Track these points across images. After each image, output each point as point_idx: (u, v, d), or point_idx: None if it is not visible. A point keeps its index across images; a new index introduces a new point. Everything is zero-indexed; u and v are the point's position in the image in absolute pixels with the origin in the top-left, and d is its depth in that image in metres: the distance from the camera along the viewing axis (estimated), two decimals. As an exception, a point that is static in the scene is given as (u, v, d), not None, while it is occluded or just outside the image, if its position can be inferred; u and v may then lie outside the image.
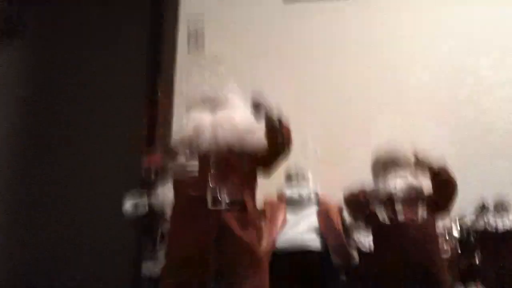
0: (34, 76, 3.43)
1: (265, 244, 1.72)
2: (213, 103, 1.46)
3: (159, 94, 2.75)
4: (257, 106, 1.35)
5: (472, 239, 2.00)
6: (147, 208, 2.04)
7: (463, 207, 2.07)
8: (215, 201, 1.29)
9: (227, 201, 1.29)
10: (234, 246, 1.27)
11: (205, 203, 1.28)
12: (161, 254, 1.91)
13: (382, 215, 1.72)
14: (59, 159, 3.26)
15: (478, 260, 2.05)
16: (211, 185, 1.31)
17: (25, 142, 3.38)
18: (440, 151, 2.53)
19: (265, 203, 1.90)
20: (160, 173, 1.36)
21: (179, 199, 1.35)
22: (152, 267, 1.94)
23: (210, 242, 1.26)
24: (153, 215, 2.03)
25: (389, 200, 1.72)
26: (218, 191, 1.30)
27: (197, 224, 1.27)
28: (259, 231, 1.35)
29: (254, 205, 1.35)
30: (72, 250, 3.18)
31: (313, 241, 1.79)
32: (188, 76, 2.70)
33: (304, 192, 1.92)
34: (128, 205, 2.05)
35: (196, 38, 2.63)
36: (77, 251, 3.19)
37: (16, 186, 3.25)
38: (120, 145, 3.15)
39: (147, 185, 2.15)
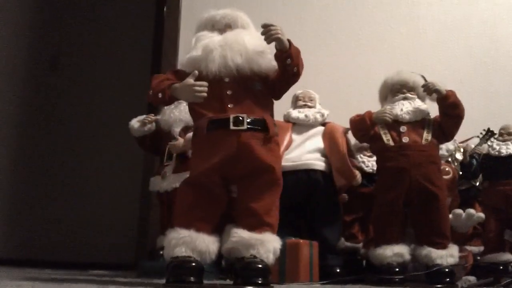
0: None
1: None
2: (221, 24, 1.42)
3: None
4: (266, 27, 1.31)
5: (474, 162, 2.03)
6: (154, 126, 2.06)
7: (468, 130, 2.09)
8: (237, 121, 1.27)
9: (248, 121, 1.28)
10: (254, 165, 1.27)
11: (226, 124, 1.27)
12: (168, 170, 1.95)
13: (386, 136, 1.74)
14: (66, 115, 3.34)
15: (479, 182, 2.10)
16: (229, 106, 1.30)
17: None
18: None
19: (272, 124, 1.92)
20: (167, 95, 1.32)
21: (199, 121, 1.33)
22: (160, 183, 1.98)
23: (231, 159, 1.26)
24: (160, 132, 2.05)
25: (394, 122, 1.73)
26: (237, 111, 1.29)
27: (219, 145, 1.27)
28: (278, 151, 1.35)
29: (274, 125, 1.34)
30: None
31: (317, 160, 1.82)
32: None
33: (310, 113, 1.92)
34: (134, 122, 2.07)
35: None
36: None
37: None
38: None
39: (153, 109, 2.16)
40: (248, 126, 1.28)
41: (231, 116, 1.28)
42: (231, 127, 1.27)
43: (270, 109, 1.39)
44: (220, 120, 1.28)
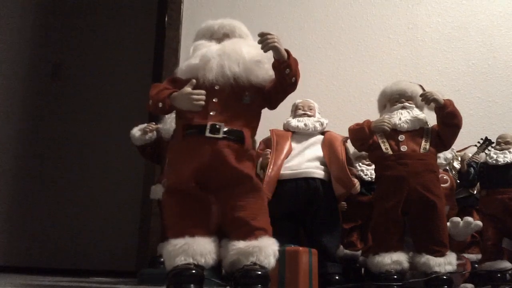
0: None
1: (270, 171, 1.77)
2: (219, 33, 1.44)
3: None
4: (263, 36, 1.32)
5: (472, 170, 2.04)
6: (155, 134, 2.08)
7: (465, 139, 2.12)
8: (213, 129, 1.28)
9: (225, 130, 1.28)
10: (228, 174, 1.27)
11: (203, 130, 1.28)
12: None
13: (385, 145, 1.75)
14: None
15: (476, 191, 2.12)
16: (211, 113, 1.30)
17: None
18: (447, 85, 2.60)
19: (272, 132, 1.94)
20: (167, 104, 1.33)
21: (178, 124, 1.34)
22: (160, 191, 1.99)
23: (205, 166, 1.26)
24: (161, 141, 2.07)
25: (393, 131, 1.75)
26: (217, 119, 1.29)
27: (194, 151, 1.28)
28: (251, 164, 1.34)
29: (251, 137, 1.35)
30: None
31: (317, 169, 1.83)
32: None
33: (310, 122, 1.94)
34: (135, 130, 2.09)
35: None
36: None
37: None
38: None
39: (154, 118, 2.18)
40: (224, 136, 1.28)
41: (208, 124, 1.28)
42: (207, 134, 1.27)
43: (253, 124, 1.38)
44: (197, 126, 1.29)
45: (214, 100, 1.32)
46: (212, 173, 1.28)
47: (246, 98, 1.35)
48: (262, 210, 1.29)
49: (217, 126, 1.28)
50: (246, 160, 1.31)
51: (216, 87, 1.33)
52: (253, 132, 1.39)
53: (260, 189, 1.31)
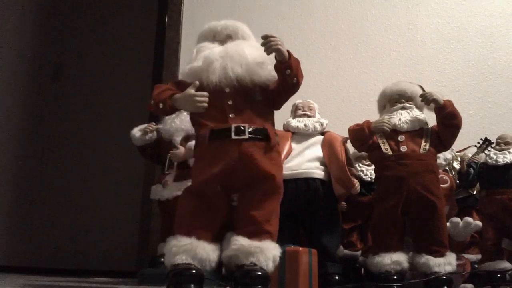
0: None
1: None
2: (222, 35, 1.44)
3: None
4: (267, 39, 1.33)
5: (471, 171, 2.05)
6: (155, 135, 2.08)
7: (465, 140, 2.12)
8: (238, 130, 1.29)
9: (250, 130, 1.30)
10: (255, 173, 1.28)
11: (227, 133, 1.29)
12: (169, 178, 1.97)
13: (385, 145, 1.75)
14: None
15: (476, 191, 2.12)
16: (231, 116, 1.32)
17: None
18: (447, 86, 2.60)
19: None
20: (168, 105, 1.34)
21: (201, 131, 1.35)
22: (160, 191, 2.00)
23: (232, 168, 1.28)
24: (162, 141, 2.07)
25: (392, 131, 1.75)
26: (239, 120, 1.30)
27: (220, 154, 1.28)
28: (279, 160, 1.37)
29: (275, 134, 1.36)
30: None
31: (317, 169, 1.84)
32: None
33: (310, 122, 1.94)
34: (136, 131, 2.09)
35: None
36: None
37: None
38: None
39: (154, 118, 2.18)
40: (250, 136, 1.29)
41: (233, 126, 1.29)
42: (233, 136, 1.29)
43: (271, 119, 1.40)
44: (222, 130, 1.30)
45: (229, 102, 1.33)
46: (239, 174, 1.29)
47: (257, 94, 1.37)
48: (275, 212, 1.32)
49: (242, 127, 1.29)
50: (273, 157, 1.33)
51: (227, 90, 1.34)
52: (273, 127, 1.40)
53: (279, 192, 1.33)
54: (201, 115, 1.33)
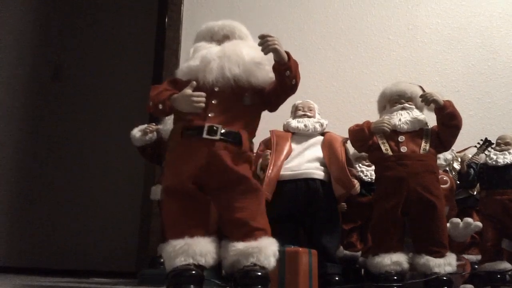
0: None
1: (270, 171, 1.78)
2: (219, 35, 1.44)
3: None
4: (263, 38, 1.32)
5: (471, 171, 2.04)
6: (155, 135, 2.08)
7: (465, 140, 2.12)
8: (210, 130, 1.28)
9: (222, 132, 1.29)
10: (225, 176, 1.28)
11: (200, 132, 1.28)
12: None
13: (385, 146, 1.76)
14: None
15: (476, 192, 2.12)
16: (210, 115, 1.31)
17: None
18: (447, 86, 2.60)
19: (272, 133, 1.94)
20: (167, 106, 1.33)
21: (175, 126, 1.35)
22: (160, 192, 1.99)
23: (202, 167, 1.27)
24: (162, 141, 2.07)
25: (392, 132, 1.75)
26: (216, 121, 1.30)
27: (191, 152, 1.28)
28: (248, 167, 1.34)
29: (249, 139, 1.35)
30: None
31: (317, 170, 1.84)
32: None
33: (310, 122, 1.94)
34: (136, 131, 2.09)
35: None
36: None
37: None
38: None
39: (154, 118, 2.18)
40: (221, 137, 1.28)
41: (206, 125, 1.29)
42: (204, 135, 1.28)
43: (252, 125, 1.38)
44: (195, 128, 1.30)
45: (213, 101, 1.33)
46: (210, 175, 1.28)
47: (246, 99, 1.36)
48: (260, 210, 1.30)
49: (215, 127, 1.29)
50: (242, 162, 1.31)
51: (216, 89, 1.33)
52: (253, 134, 1.39)
53: (257, 189, 1.32)
54: (184, 112, 1.32)
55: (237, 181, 1.28)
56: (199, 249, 1.23)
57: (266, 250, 1.24)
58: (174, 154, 1.33)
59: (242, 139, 1.31)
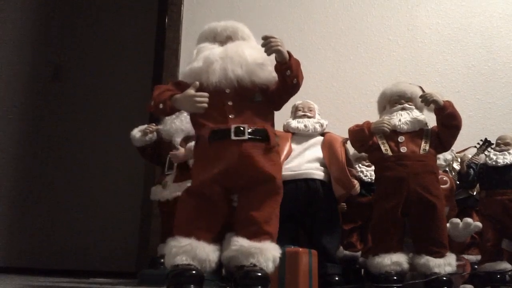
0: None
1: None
2: (222, 36, 1.45)
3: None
4: (267, 39, 1.33)
5: (471, 171, 2.05)
6: (155, 135, 2.08)
7: (465, 141, 2.12)
8: (238, 131, 1.29)
9: (249, 131, 1.30)
10: (255, 174, 1.29)
11: (227, 134, 1.29)
12: (169, 179, 1.97)
13: (385, 146, 1.76)
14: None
15: (476, 192, 2.12)
16: (230, 116, 1.32)
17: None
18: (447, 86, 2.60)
19: (272, 134, 1.94)
20: (168, 105, 1.34)
21: (200, 132, 1.35)
22: (160, 192, 2.00)
23: (232, 169, 1.28)
24: (162, 142, 2.07)
25: (392, 132, 1.76)
26: (239, 121, 1.31)
27: (221, 155, 1.29)
28: (279, 161, 1.37)
29: (275, 135, 1.37)
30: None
31: (317, 170, 1.84)
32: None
33: (310, 123, 1.94)
34: (136, 131, 2.09)
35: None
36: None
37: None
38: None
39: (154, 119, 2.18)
40: (249, 136, 1.29)
41: (233, 126, 1.30)
42: (232, 137, 1.29)
43: (271, 120, 1.41)
44: (222, 131, 1.30)
45: (229, 103, 1.34)
46: (239, 175, 1.29)
47: (258, 95, 1.37)
48: (275, 214, 1.32)
49: (241, 128, 1.30)
50: (273, 158, 1.33)
51: (227, 91, 1.35)
52: (273, 127, 1.41)
53: (279, 193, 1.33)
54: (201, 116, 1.34)
55: (264, 181, 1.30)
56: (201, 254, 1.24)
57: (267, 253, 1.24)
58: (203, 159, 1.33)
59: (270, 135, 1.33)
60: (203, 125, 1.34)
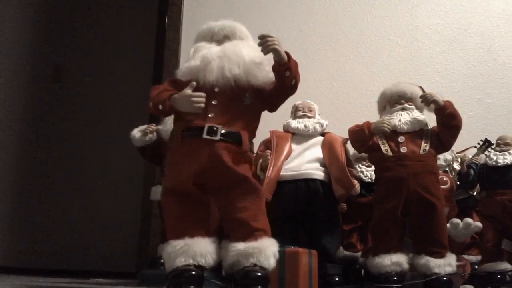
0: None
1: (270, 172, 1.78)
2: (219, 35, 1.44)
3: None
4: (263, 38, 1.32)
5: (471, 171, 2.05)
6: (155, 135, 2.08)
7: (465, 141, 2.12)
8: (210, 131, 1.28)
9: (222, 132, 1.29)
10: (226, 176, 1.28)
11: (200, 132, 1.28)
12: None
13: (385, 146, 1.76)
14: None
15: (476, 192, 2.12)
16: (210, 115, 1.31)
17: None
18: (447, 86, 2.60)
19: (272, 134, 1.94)
20: (167, 106, 1.33)
21: (175, 126, 1.35)
22: (161, 192, 1.99)
23: (203, 168, 1.27)
24: (162, 142, 2.07)
25: (392, 132, 1.76)
26: (216, 121, 1.30)
27: (192, 152, 1.28)
28: (248, 167, 1.35)
29: (249, 139, 1.36)
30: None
31: (317, 170, 1.84)
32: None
33: (310, 123, 1.94)
34: (136, 131, 2.09)
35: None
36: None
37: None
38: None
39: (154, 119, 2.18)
40: (221, 138, 1.28)
41: (206, 126, 1.29)
42: (204, 136, 1.28)
43: (253, 125, 1.39)
44: (195, 128, 1.29)
45: (213, 102, 1.33)
46: (210, 175, 1.28)
47: (246, 99, 1.36)
48: (261, 210, 1.30)
49: (215, 128, 1.29)
50: (243, 162, 1.32)
51: (216, 89, 1.33)
52: (253, 134, 1.39)
53: (258, 189, 1.32)
54: (184, 113, 1.32)
55: (237, 182, 1.28)
56: (199, 249, 1.23)
57: (266, 250, 1.24)
58: (174, 155, 1.33)
59: (242, 139, 1.32)
60: (180, 119, 1.33)
